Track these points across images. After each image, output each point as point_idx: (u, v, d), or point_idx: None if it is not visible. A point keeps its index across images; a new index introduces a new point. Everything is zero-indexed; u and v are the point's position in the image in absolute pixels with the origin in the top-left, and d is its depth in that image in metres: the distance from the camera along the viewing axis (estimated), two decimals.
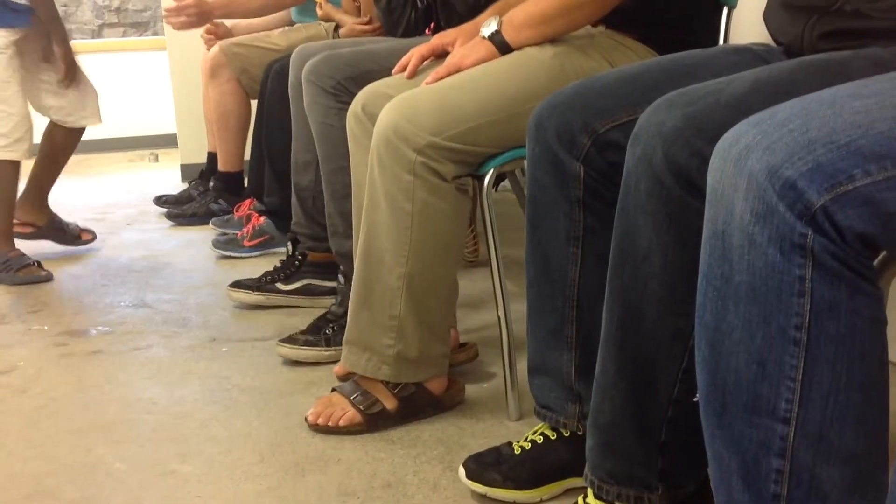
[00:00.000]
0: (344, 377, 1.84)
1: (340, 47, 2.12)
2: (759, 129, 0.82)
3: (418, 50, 1.72)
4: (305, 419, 1.68)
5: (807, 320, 0.79)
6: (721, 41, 1.68)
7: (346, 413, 1.65)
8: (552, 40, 1.56)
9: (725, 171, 0.83)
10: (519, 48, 1.57)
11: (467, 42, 1.65)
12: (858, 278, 0.79)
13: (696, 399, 0.93)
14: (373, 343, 1.63)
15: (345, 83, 1.93)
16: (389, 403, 1.66)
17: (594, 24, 1.62)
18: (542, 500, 1.41)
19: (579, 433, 1.38)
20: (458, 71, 1.57)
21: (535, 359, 1.42)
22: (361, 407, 1.65)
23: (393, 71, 1.75)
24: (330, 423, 1.65)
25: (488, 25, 1.59)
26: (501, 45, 1.58)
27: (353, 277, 1.65)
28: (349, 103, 1.89)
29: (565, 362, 1.37)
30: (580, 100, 1.28)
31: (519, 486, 1.39)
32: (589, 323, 1.33)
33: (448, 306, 1.68)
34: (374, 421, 1.65)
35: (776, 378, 0.82)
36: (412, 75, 1.70)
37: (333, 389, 1.71)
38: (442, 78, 1.57)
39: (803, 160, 0.78)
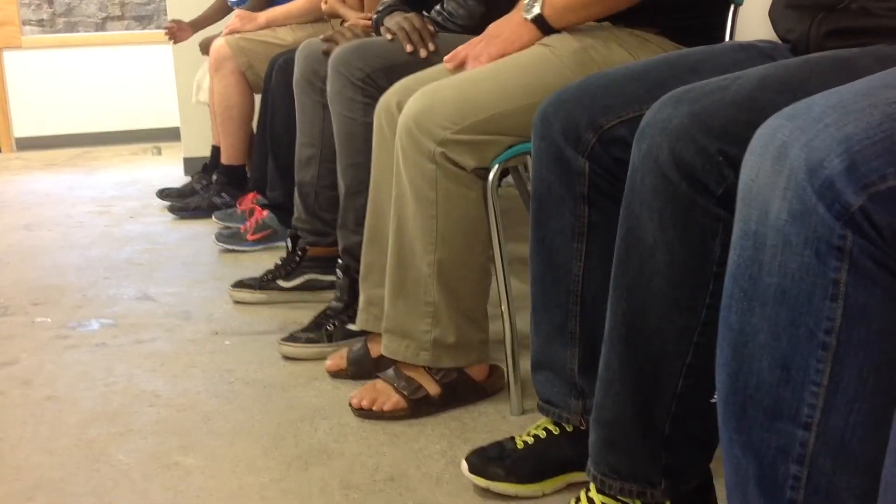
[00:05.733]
0: (336, 373, 1.87)
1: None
2: (796, 123, 0.80)
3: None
4: (349, 403, 1.70)
5: (838, 325, 0.77)
6: (727, 38, 1.68)
7: (391, 399, 1.67)
8: (576, 33, 1.57)
9: (763, 168, 0.81)
10: (561, 30, 1.59)
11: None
12: (894, 281, 0.76)
13: (712, 400, 0.92)
14: (410, 330, 1.65)
15: (374, 76, 1.90)
16: (432, 389, 1.68)
17: (613, 23, 1.62)
18: (543, 495, 1.41)
19: (582, 428, 1.39)
20: (502, 56, 1.60)
21: (538, 354, 1.42)
22: (405, 393, 1.67)
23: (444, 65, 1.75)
24: (374, 408, 1.66)
25: (530, 8, 1.59)
26: (545, 28, 1.59)
27: (388, 267, 1.67)
28: (375, 98, 1.87)
29: (569, 358, 1.37)
30: (585, 96, 1.28)
31: (521, 481, 1.40)
32: (592, 319, 1.33)
33: (482, 292, 1.69)
34: (417, 406, 1.67)
35: (800, 383, 0.80)
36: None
37: (377, 376, 1.72)
38: (486, 62, 1.61)
39: (841, 157, 0.75)
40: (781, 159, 0.79)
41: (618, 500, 1.18)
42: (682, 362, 1.09)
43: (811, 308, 0.78)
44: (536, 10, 1.59)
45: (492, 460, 1.41)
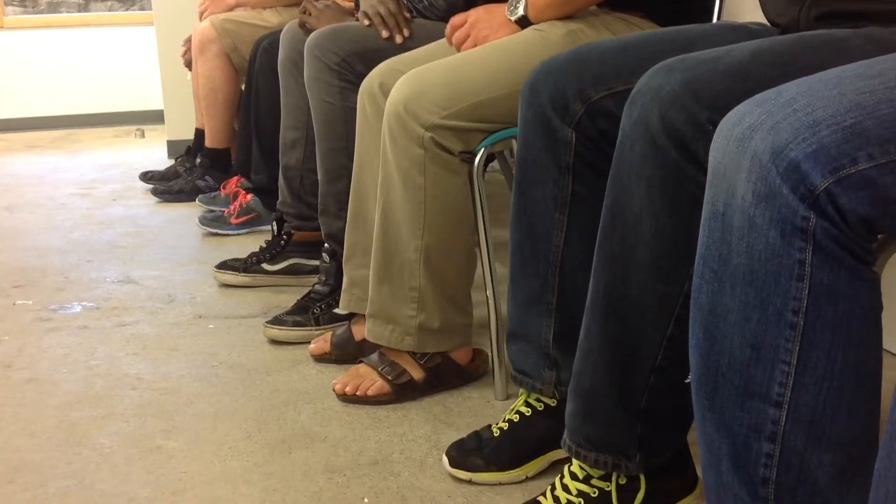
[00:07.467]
0: (319, 357, 1.86)
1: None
2: (764, 108, 0.81)
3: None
4: (333, 389, 1.68)
5: (804, 304, 0.78)
6: (714, 21, 1.67)
7: (375, 383, 1.66)
8: (564, 18, 1.57)
9: (728, 150, 0.82)
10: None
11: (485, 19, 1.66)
12: (858, 263, 0.78)
13: (687, 380, 0.92)
14: (395, 315, 1.64)
15: (349, 60, 1.90)
16: (417, 374, 1.67)
17: (599, 7, 1.62)
18: (527, 478, 1.40)
19: (553, 404, 1.39)
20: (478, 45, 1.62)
21: (514, 324, 1.41)
22: (390, 377, 1.66)
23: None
24: (358, 393, 1.66)
25: (514, 8, 1.60)
26: (527, 27, 1.60)
27: (373, 252, 1.66)
28: (353, 83, 1.87)
29: (544, 328, 1.36)
30: (576, 65, 1.26)
31: (502, 468, 1.39)
32: (570, 290, 1.33)
33: (467, 277, 1.69)
34: (402, 391, 1.66)
35: (770, 362, 0.81)
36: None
37: (360, 361, 1.72)
38: (465, 49, 1.63)
39: (808, 141, 0.76)
40: (746, 142, 0.80)
41: (592, 470, 1.19)
42: (663, 334, 1.09)
43: (778, 288, 0.79)
44: (520, 12, 1.59)
45: (471, 452, 1.40)
